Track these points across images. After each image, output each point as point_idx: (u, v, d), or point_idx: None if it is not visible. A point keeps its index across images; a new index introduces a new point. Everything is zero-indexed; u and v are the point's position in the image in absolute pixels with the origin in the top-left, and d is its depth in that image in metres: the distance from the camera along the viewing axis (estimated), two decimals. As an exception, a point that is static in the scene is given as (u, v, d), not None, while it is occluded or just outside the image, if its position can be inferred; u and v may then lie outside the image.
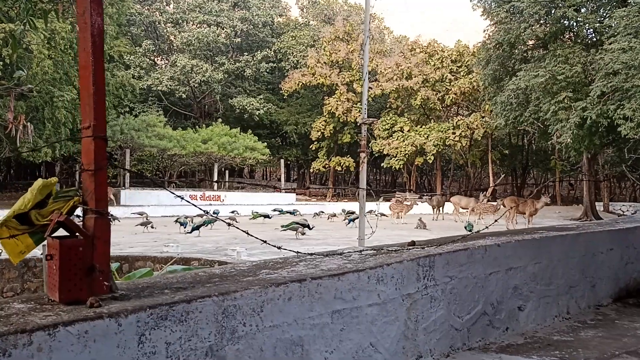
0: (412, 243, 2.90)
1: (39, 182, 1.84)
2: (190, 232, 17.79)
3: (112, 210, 26.76)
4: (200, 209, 2.41)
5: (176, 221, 19.36)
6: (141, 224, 18.33)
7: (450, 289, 2.62)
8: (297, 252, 2.53)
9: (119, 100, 35.12)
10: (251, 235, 2.38)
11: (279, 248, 2.40)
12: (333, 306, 2.14)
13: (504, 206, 22.87)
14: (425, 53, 41.15)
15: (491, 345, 2.72)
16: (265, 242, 2.36)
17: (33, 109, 25.57)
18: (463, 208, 29.15)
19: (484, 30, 28.48)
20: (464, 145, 38.22)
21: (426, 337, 2.49)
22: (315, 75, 41.43)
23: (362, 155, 7.51)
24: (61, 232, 1.89)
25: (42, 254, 11.98)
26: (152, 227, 18.85)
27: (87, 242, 1.74)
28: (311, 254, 2.55)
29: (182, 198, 2.22)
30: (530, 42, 26.23)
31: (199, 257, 10.86)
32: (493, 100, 27.83)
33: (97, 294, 1.75)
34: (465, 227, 18.33)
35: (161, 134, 34.97)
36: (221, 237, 18.64)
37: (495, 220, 3.47)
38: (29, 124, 13.46)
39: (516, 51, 25.96)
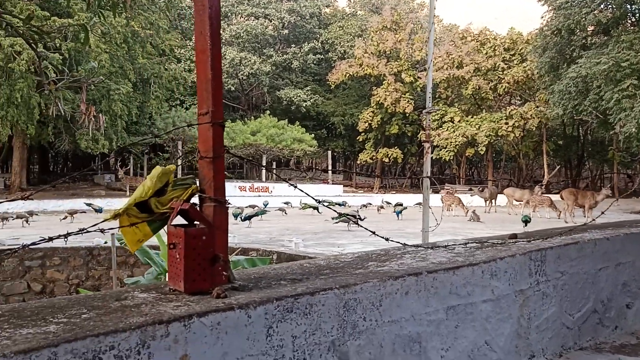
0: (514, 236, 2.76)
1: (157, 169, 1.80)
2: (243, 221, 18.00)
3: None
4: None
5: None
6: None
7: (561, 285, 2.47)
8: (404, 244, 2.44)
9: (171, 94, 35.84)
10: (366, 229, 2.30)
11: (387, 240, 2.31)
12: (448, 302, 2.04)
13: (562, 198, 22.12)
14: (477, 41, 40.19)
15: (603, 345, 2.56)
16: (374, 233, 2.27)
17: (90, 101, 26.32)
18: (517, 200, 28.41)
19: (541, 17, 27.52)
20: (516, 135, 37.18)
21: (539, 336, 2.36)
22: (363, 66, 41.09)
23: (426, 145, 7.35)
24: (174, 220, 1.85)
25: (105, 243, 12.32)
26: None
27: (210, 231, 1.69)
28: (416, 246, 2.45)
29: (295, 186, 2.15)
30: (591, 28, 25.19)
31: (257, 248, 10.92)
32: (550, 89, 26.94)
33: (218, 284, 1.71)
34: (522, 220, 17.82)
35: (211, 126, 35.47)
36: (273, 228, 18.76)
37: (602, 213, 3.27)
38: (100, 115, 13.81)
39: (575, 38, 25.01)
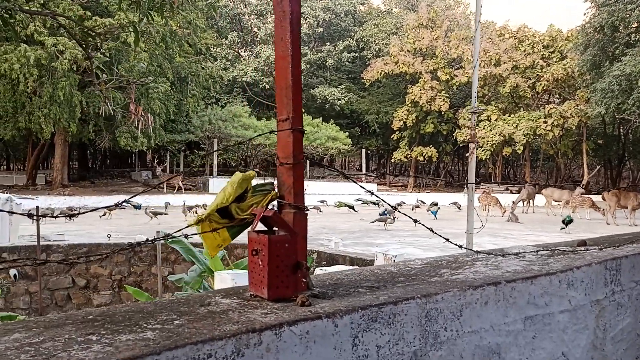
0: (583, 242, 2.68)
1: (238, 175, 1.81)
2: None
3: (204, 198, 27.75)
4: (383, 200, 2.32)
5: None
6: (148, 214, 18.92)
7: (636, 295, 2.40)
8: (476, 251, 2.39)
9: (207, 92, 36.25)
10: (430, 229, 2.26)
11: (460, 246, 2.28)
12: (526, 312, 1.99)
13: (604, 200, 21.55)
14: (515, 38, 39.49)
15: (680, 359, 2.46)
16: (448, 240, 2.24)
17: (131, 100, 26.82)
18: (556, 201, 27.85)
19: (584, 14, 26.82)
20: (555, 134, 36.39)
21: (614, 347, 2.29)
22: (398, 64, 40.82)
23: (472, 145, 7.22)
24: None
25: (137, 241, 12.57)
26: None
27: (293, 237, 1.69)
28: (487, 253, 2.41)
29: (372, 193, 2.13)
30: (635, 25, 24.43)
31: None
32: (591, 88, 26.26)
33: (299, 291, 1.71)
34: (563, 221, 17.43)
35: (246, 124, 35.80)
36: (309, 226, 18.71)
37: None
38: (148, 115, 14.12)
39: (619, 35, 24.30)
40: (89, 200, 25.11)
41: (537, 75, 37.87)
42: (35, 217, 1.91)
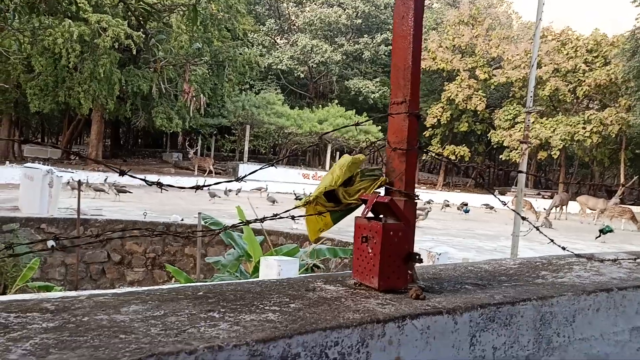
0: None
1: (347, 158, 1.73)
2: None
3: (232, 183, 27.86)
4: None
5: (296, 198, 19.70)
6: (268, 199, 18.89)
7: None
8: (577, 255, 2.28)
9: (242, 78, 36.33)
10: (549, 238, 2.16)
11: (564, 249, 2.17)
12: (633, 322, 1.88)
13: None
14: (558, 41, 38.58)
15: None
16: (552, 241, 2.13)
17: (167, 80, 27.07)
18: (590, 209, 27.25)
19: (636, 19, 26.03)
20: (593, 141, 35.54)
21: None
22: (436, 60, 40.31)
23: (524, 146, 7.03)
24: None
25: (181, 220, 12.61)
26: (274, 201, 19.33)
27: (407, 227, 1.61)
28: (587, 258, 2.29)
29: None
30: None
31: (331, 237, 10.90)
32: (636, 95, 25.50)
33: (408, 283, 1.63)
34: (601, 230, 16.99)
35: (280, 112, 35.79)
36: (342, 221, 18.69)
37: None
38: (201, 95, 14.24)
39: (670, 42, 23.52)
40: (122, 179, 25.43)
41: (579, 79, 36.99)
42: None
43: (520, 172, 7.45)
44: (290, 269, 5.53)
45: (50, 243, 11.24)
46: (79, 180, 10.95)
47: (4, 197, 16.19)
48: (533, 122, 37.19)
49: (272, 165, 1.78)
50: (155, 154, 45.42)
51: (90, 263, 11.75)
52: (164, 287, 1.56)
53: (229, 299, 1.43)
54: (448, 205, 27.44)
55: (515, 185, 37.49)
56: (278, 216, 1.68)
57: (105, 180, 21.68)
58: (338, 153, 44.89)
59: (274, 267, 5.44)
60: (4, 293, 10.28)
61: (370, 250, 1.60)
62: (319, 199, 1.70)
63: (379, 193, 1.69)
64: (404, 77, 1.70)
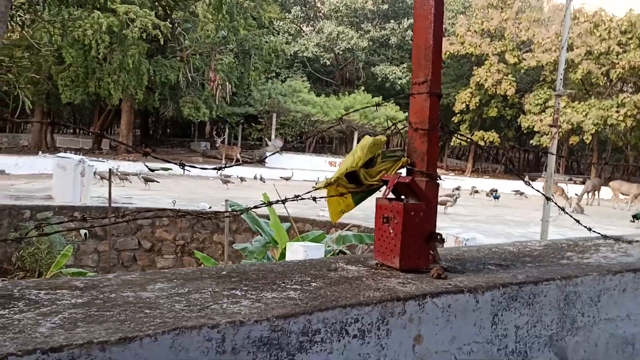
0: None
1: (368, 139, 1.74)
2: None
3: (260, 171, 28.10)
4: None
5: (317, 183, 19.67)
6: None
7: None
8: (604, 236, 2.25)
9: (268, 66, 36.39)
10: (578, 222, 2.13)
11: (590, 230, 2.14)
12: (661, 303, 1.84)
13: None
14: (590, 22, 37.53)
15: None
16: (578, 222, 2.10)
17: (193, 70, 27.29)
18: (623, 194, 26.65)
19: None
20: (627, 125, 34.60)
21: None
22: (464, 44, 39.67)
23: (553, 130, 6.91)
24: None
25: (209, 208, 12.76)
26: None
27: (428, 207, 1.61)
28: (615, 239, 2.26)
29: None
30: None
31: (357, 224, 10.91)
32: (673, 77, 24.68)
33: (429, 263, 1.63)
34: (634, 216, 16.64)
35: (306, 100, 35.78)
36: (366, 204, 18.68)
37: None
38: (227, 83, 14.37)
39: None
40: (153, 167, 25.85)
41: (612, 62, 36.00)
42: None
43: (548, 152, 7.32)
44: (317, 255, 5.57)
45: (83, 231, 11.50)
46: (110, 169, 11.17)
47: (38, 187, 16.62)
48: (564, 107, 36.40)
49: (298, 149, 1.80)
50: (183, 143, 45.94)
51: (122, 250, 12.00)
52: (190, 268, 1.59)
53: (252, 278, 1.46)
54: (477, 192, 27.14)
55: (546, 171, 36.96)
56: (300, 197, 1.70)
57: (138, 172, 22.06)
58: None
59: (299, 253, 5.49)
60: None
61: (391, 231, 1.61)
62: (340, 180, 1.71)
63: (401, 174, 1.69)
64: (425, 57, 1.69)
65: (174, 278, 1.43)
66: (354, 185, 1.73)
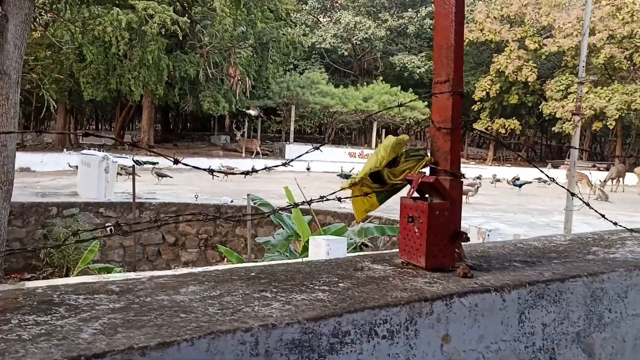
0: None
1: (391, 139, 1.75)
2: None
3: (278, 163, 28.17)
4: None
5: (341, 175, 19.65)
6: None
7: None
8: (630, 230, 2.24)
9: (286, 58, 36.37)
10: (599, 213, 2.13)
11: (616, 224, 2.13)
12: (690, 298, 1.83)
13: None
14: (613, 6, 36.73)
15: None
16: (604, 217, 2.09)
17: (213, 65, 27.41)
18: (649, 181, 26.18)
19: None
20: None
21: None
22: (484, 31, 39.16)
23: (576, 118, 6.82)
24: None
25: (231, 201, 12.89)
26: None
27: (453, 205, 1.62)
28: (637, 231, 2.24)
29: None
30: None
31: (378, 215, 10.91)
32: (700, 59, 24.09)
33: (455, 261, 1.64)
34: (661, 203, 16.34)
35: (324, 91, 35.71)
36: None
37: None
38: (246, 78, 14.45)
39: None
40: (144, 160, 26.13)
41: (635, 45, 35.24)
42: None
43: (571, 147, 7.23)
44: (339, 248, 5.60)
45: (109, 227, 11.71)
46: (134, 165, 11.32)
47: (63, 183, 16.93)
48: (587, 92, 35.78)
49: (318, 149, 1.82)
50: (203, 137, 46.26)
51: (147, 245, 12.18)
52: (219, 268, 1.63)
53: (280, 279, 1.49)
54: (498, 180, 26.89)
55: (569, 158, 36.45)
56: (325, 198, 1.72)
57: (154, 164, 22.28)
58: (384, 130, 44.53)
59: (322, 246, 5.52)
60: (66, 275, 10.83)
61: (416, 230, 1.62)
62: (365, 180, 1.73)
63: (424, 173, 1.70)
64: (446, 56, 1.70)
65: (205, 280, 1.47)
66: (378, 185, 1.75)
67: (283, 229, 8.46)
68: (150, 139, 30.82)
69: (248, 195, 8.27)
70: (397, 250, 1.83)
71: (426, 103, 40.46)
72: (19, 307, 1.18)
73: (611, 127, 36.69)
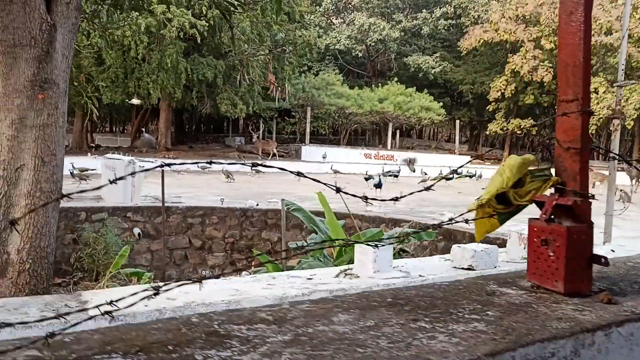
0: None
1: (515, 159, 1.72)
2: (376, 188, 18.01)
3: (296, 165, 28.20)
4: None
5: (366, 178, 19.50)
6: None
7: None
8: None
9: (301, 60, 36.36)
10: None
11: None
12: None
13: None
14: (630, 5, 36.33)
15: None
16: None
17: (231, 68, 27.48)
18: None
19: None
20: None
21: None
22: (499, 31, 38.90)
23: (616, 122, 6.73)
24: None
25: (257, 205, 12.87)
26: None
27: (590, 229, 1.58)
28: None
29: None
30: None
31: (408, 219, 10.85)
32: None
33: (590, 285, 1.61)
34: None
35: (339, 93, 35.68)
36: (408, 198, 18.48)
37: None
38: (285, 84, 14.50)
39: None
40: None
41: (654, 44, 34.88)
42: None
43: (611, 152, 7.14)
44: (385, 256, 5.56)
45: (137, 231, 11.74)
46: (162, 169, 11.33)
47: (86, 187, 17.01)
48: (604, 92, 35.47)
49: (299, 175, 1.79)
50: (217, 138, 46.37)
51: (174, 249, 12.22)
52: (350, 292, 1.61)
53: (422, 306, 1.46)
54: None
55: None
56: (453, 220, 1.69)
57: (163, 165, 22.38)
58: (398, 132, 44.38)
59: (369, 254, 5.48)
60: (96, 279, 10.88)
61: (551, 254, 1.59)
62: (491, 201, 1.70)
63: (555, 194, 1.67)
64: (574, 75, 1.66)
65: (347, 307, 1.44)
66: (503, 206, 1.72)
67: (316, 233, 8.43)
68: (167, 141, 30.97)
69: (282, 200, 8.26)
70: (513, 270, 1.80)
71: (441, 104, 40.29)
72: (190, 340, 1.16)
73: (629, 127, 36.33)
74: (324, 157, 30.84)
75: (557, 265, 1.56)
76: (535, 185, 1.70)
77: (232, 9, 5.82)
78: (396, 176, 24.50)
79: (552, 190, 1.72)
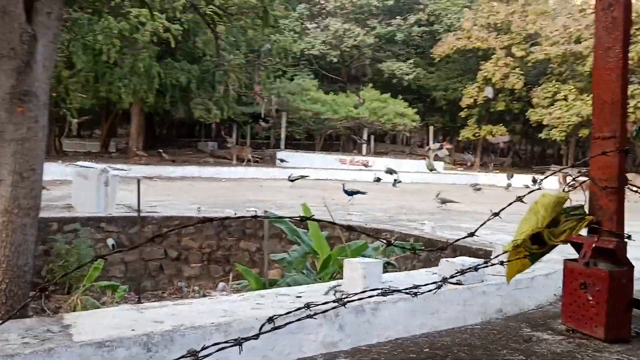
0: None
1: (549, 197, 1.65)
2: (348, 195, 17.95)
3: (274, 171, 28.02)
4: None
5: (345, 191, 19.08)
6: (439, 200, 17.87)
7: None
8: None
9: (276, 65, 36.20)
10: None
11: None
12: None
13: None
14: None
15: None
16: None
17: (205, 72, 27.16)
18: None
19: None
20: (638, 117, 34.39)
21: None
22: (471, 39, 39.48)
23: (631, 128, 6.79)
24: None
25: (234, 214, 12.69)
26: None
27: (630, 272, 1.53)
28: None
29: None
30: None
31: (390, 229, 10.81)
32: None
33: (630, 331, 1.55)
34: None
35: (315, 98, 35.64)
36: (386, 205, 18.49)
37: None
38: (271, 97, 14.38)
39: None
40: (165, 170, 25.80)
41: (621, 53, 35.77)
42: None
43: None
44: (375, 272, 5.47)
45: (111, 242, 11.44)
46: (138, 179, 11.06)
47: (55, 194, 16.52)
48: (573, 99, 36.25)
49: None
50: (190, 143, 45.76)
51: (149, 260, 11.93)
52: (395, 345, 1.51)
53: (459, 357, 1.38)
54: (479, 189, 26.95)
55: (555, 165, 36.52)
56: (490, 263, 1.61)
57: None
58: (373, 137, 44.54)
59: (358, 270, 5.39)
60: (68, 293, 10.54)
61: (590, 298, 1.53)
62: (525, 242, 1.63)
63: (595, 237, 1.61)
64: (611, 112, 1.61)
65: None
66: (537, 246, 1.65)
67: (299, 245, 8.32)
68: (139, 146, 30.43)
69: (265, 212, 8.13)
70: (544, 310, 1.73)
71: (416, 110, 40.60)
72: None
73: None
74: (281, 161, 30.80)
75: (596, 310, 1.50)
76: (570, 224, 1.64)
77: (216, 18, 5.70)
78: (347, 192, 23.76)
79: (586, 229, 1.66)
